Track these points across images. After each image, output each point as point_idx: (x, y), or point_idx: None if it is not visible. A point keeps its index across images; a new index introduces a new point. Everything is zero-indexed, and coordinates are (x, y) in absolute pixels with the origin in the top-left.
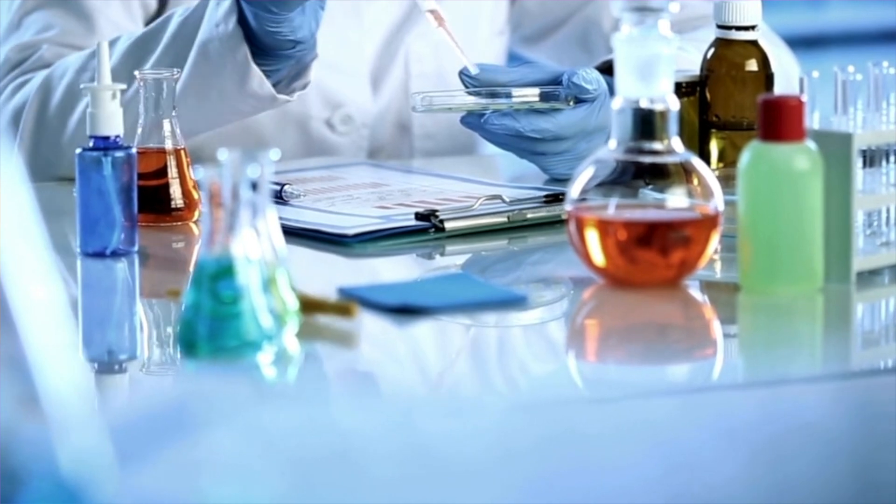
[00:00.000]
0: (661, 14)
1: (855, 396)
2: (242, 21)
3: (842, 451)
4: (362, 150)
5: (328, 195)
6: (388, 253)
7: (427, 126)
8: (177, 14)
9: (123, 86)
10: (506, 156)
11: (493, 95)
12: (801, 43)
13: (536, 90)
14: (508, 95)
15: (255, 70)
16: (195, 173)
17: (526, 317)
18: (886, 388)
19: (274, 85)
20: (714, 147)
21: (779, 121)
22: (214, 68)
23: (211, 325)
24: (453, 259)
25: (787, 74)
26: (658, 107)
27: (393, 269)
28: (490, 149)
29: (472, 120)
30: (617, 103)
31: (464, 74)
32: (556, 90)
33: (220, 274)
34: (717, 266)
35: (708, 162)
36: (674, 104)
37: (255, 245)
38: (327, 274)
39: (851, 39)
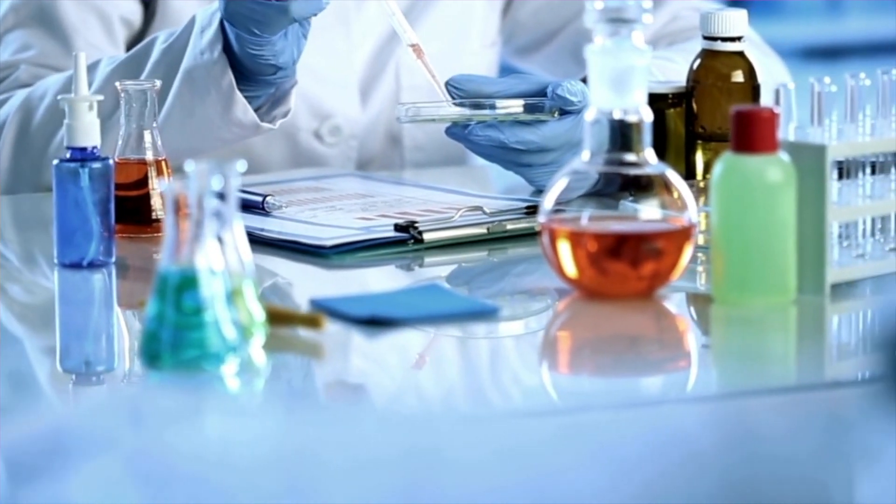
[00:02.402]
0: (634, 25)
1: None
2: (227, 49)
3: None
4: (351, 162)
5: (311, 206)
6: (366, 264)
7: (417, 138)
8: (160, 39)
9: (100, 97)
10: (496, 167)
11: (477, 106)
12: (820, 53)
13: (521, 102)
14: (493, 107)
15: (240, 98)
16: (162, 185)
17: (496, 328)
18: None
19: (255, 111)
20: (700, 158)
21: (751, 132)
22: (199, 96)
23: (174, 337)
24: (433, 270)
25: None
26: (632, 118)
27: (371, 281)
28: (481, 160)
29: (457, 131)
30: (591, 115)
31: (450, 85)
32: (541, 102)
33: (184, 285)
34: (702, 277)
35: (694, 173)
36: (647, 116)
37: (219, 256)
38: (305, 285)
39: (871, 49)
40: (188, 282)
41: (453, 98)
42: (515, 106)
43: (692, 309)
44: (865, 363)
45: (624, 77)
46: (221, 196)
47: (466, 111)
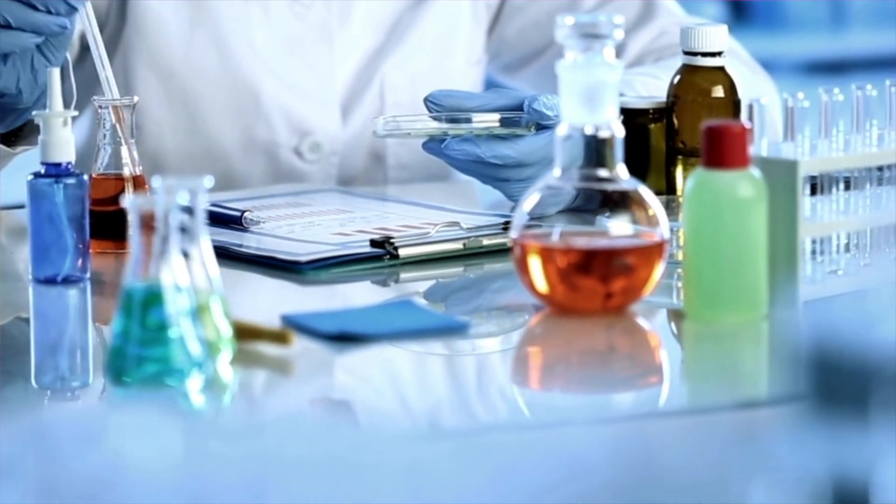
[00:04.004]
0: (606, 41)
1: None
2: None
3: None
4: (332, 179)
5: (289, 222)
6: (342, 280)
7: (401, 156)
8: None
9: (75, 113)
10: (481, 183)
11: (454, 120)
12: (824, 68)
13: (497, 116)
14: (469, 121)
15: None
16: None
17: (466, 344)
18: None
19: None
20: (680, 173)
21: (722, 148)
22: None
23: (139, 353)
24: (409, 286)
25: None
26: (604, 133)
27: (347, 296)
28: (465, 176)
29: (433, 146)
30: (562, 130)
31: (428, 100)
32: (518, 116)
33: (149, 301)
34: (680, 292)
35: (675, 189)
36: (619, 131)
37: (184, 272)
38: (280, 301)
39: (875, 64)
40: (153, 298)
41: (431, 111)
42: (492, 120)
43: (663, 325)
44: (789, 383)
45: (595, 92)
46: (189, 211)
47: (443, 125)
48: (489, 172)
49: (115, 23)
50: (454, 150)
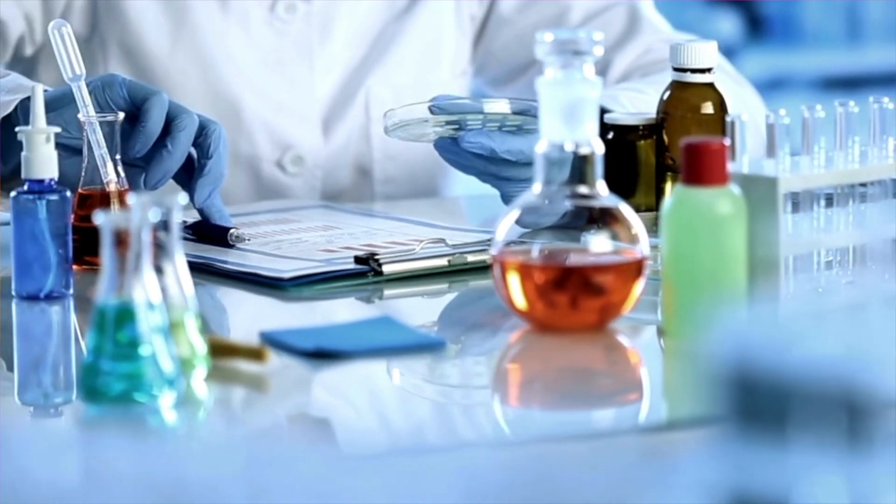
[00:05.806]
0: (585, 57)
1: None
2: None
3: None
4: (316, 192)
5: (276, 238)
6: (326, 296)
7: (388, 170)
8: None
9: (58, 129)
10: (469, 199)
11: (463, 113)
12: (840, 83)
13: (507, 101)
14: (481, 111)
15: None
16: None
17: (443, 361)
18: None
19: None
20: (670, 190)
21: (701, 165)
22: None
23: (111, 370)
24: (393, 302)
25: (753, 116)
26: (584, 150)
27: (330, 313)
28: (453, 191)
29: (445, 143)
30: (542, 147)
31: (435, 107)
32: (528, 104)
33: (121, 318)
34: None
35: None
36: (598, 148)
37: (157, 289)
38: (262, 318)
39: (890, 79)
40: (125, 315)
41: (435, 114)
42: (503, 107)
43: (643, 341)
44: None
45: (575, 109)
46: (164, 227)
47: (453, 117)
48: (495, 171)
49: (99, 40)
50: (469, 142)
